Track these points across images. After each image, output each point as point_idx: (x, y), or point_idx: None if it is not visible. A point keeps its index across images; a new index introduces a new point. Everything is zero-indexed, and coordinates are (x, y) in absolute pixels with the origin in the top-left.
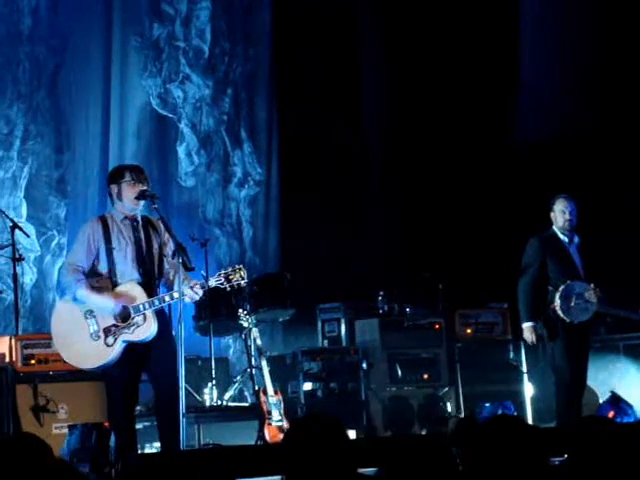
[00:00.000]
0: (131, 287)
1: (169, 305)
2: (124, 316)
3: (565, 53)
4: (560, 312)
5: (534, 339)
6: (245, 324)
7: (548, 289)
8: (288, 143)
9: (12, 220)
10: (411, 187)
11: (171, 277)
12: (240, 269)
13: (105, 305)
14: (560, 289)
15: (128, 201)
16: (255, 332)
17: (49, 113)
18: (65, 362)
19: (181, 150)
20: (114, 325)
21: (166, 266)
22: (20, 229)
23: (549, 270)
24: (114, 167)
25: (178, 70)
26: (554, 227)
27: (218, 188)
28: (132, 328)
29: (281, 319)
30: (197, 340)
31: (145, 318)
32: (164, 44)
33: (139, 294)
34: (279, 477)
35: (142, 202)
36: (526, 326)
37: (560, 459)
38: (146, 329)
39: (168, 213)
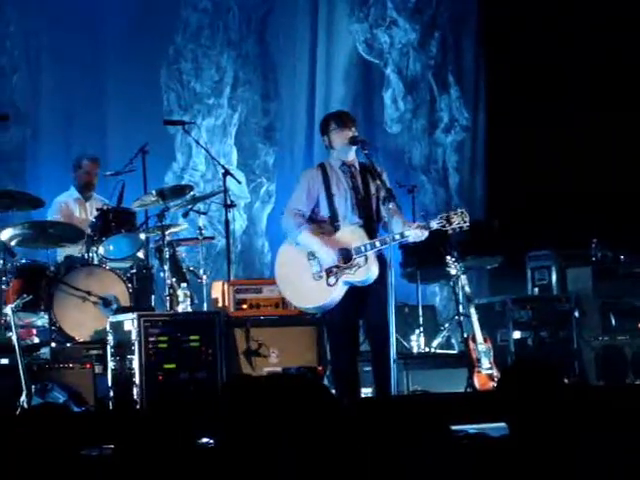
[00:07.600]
0: (352, 230)
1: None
2: (346, 258)
3: None
4: None
5: None
6: (453, 271)
7: None
8: (495, 87)
9: (224, 167)
10: (625, 124)
11: (387, 221)
12: (463, 213)
13: (326, 248)
14: None
15: (340, 147)
16: (463, 279)
17: (258, 60)
18: (276, 307)
19: (387, 96)
20: (336, 266)
21: (383, 211)
22: (232, 175)
23: None
24: (322, 119)
25: (385, 15)
26: None
27: (424, 134)
28: (354, 269)
29: (489, 266)
30: (404, 287)
31: (366, 259)
32: None
33: (360, 236)
34: (499, 424)
35: (354, 147)
36: None
37: None
38: (366, 270)
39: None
